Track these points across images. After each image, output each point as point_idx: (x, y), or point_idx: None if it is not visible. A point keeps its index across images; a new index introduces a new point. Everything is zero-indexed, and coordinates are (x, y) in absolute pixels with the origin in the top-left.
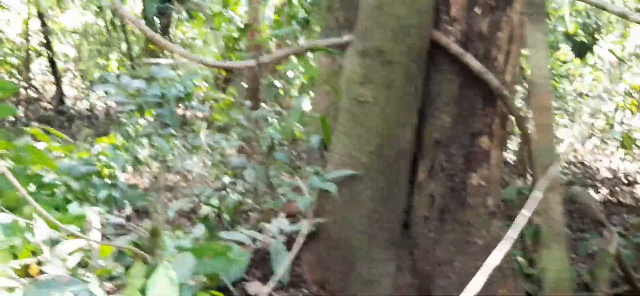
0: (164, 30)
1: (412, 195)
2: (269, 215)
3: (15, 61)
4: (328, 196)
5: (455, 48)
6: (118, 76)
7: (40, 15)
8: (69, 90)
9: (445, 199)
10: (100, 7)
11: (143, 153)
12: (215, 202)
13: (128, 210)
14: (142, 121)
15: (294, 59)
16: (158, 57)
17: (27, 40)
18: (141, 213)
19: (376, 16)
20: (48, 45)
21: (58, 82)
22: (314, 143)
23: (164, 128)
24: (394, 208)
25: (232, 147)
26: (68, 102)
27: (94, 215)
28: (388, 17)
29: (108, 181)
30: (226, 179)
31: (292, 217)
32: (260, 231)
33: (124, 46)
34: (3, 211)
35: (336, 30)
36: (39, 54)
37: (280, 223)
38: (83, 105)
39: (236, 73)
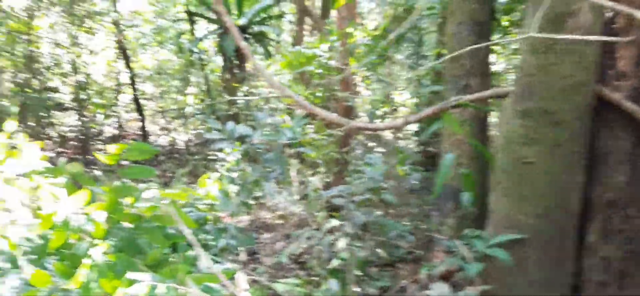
0: (240, 68)
1: (581, 258)
2: (413, 273)
3: (98, 99)
4: (492, 261)
5: (628, 105)
6: (218, 118)
7: (125, 56)
8: (149, 126)
9: (624, 263)
10: (180, 47)
11: (242, 193)
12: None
13: (242, 255)
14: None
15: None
16: (234, 93)
17: (117, 82)
18: (252, 256)
19: (540, 75)
20: (132, 84)
21: (142, 120)
22: (448, 194)
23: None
24: (563, 273)
25: (322, 182)
26: (150, 138)
27: (241, 274)
28: (553, 75)
29: (219, 225)
30: (333, 222)
31: (446, 279)
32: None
33: (194, 80)
34: (146, 270)
35: (465, 78)
36: (120, 92)
37: (441, 289)
38: (163, 140)
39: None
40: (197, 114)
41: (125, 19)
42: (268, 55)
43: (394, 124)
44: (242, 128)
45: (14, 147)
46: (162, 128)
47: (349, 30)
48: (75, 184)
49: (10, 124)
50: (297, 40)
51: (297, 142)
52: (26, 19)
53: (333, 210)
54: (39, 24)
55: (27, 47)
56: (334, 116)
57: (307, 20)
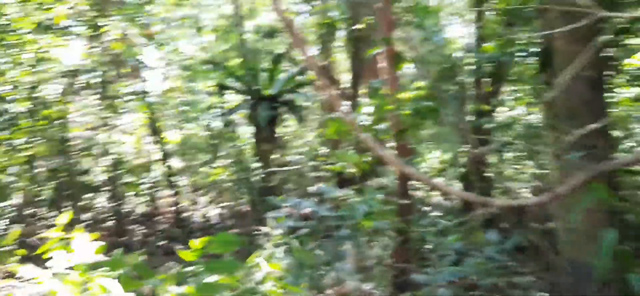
0: (272, 133)
1: None
2: None
3: (129, 178)
4: None
5: None
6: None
7: (156, 132)
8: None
9: None
10: (210, 121)
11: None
12: None
13: None
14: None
15: None
16: (268, 163)
17: (148, 159)
18: None
19: None
20: (164, 160)
21: (176, 196)
22: (586, 269)
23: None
24: None
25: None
26: (183, 215)
27: None
28: None
29: None
30: None
31: None
32: None
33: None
34: None
35: (589, 139)
36: (150, 170)
37: None
38: (195, 216)
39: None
40: (230, 187)
41: (156, 97)
42: (301, 121)
43: (540, 199)
44: (307, 204)
45: (67, 240)
46: (193, 203)
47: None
48: (134, 277)
49: (64, 216)
50: (327, 106)
51: (372, 214)
52: (60, 103)
53: (399, 286)
54: (71, 108)
55: (60, 132)
56: (466, 194)
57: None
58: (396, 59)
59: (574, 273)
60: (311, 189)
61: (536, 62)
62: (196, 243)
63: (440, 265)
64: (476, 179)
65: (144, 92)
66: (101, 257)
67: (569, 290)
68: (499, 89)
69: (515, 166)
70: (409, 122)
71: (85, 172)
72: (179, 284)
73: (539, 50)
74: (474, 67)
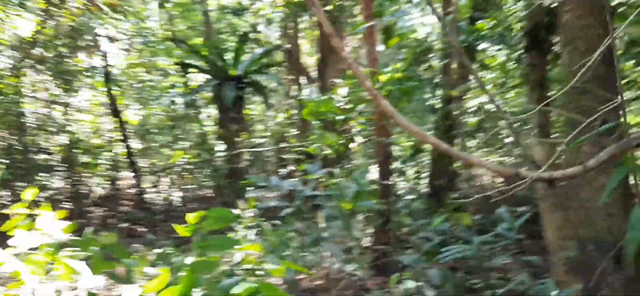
0: (238, 115)
1: None
2: None
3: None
4: None
5: None
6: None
7: (116, 112)
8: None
9: None
10: (173, 101)
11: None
12: None
13: None
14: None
15: None
16: (233, 144)
17: (107, 139)
18: None
19: None
20: (125, 141)
21: (138, 178)
22: (598, 249)
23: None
24: None
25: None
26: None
27: None
28: None
29: None
30: (409, 285)
31: None
32: None
33: (187, 134)
34: None
35: (600, 113)
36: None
37: None
38: (156, 198)
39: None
40: (193, 169)
41: (114, 75)
42: (268, 104)
43: (571, 172)
44: (289, 183)
45: (32, 217)
46: (154, 185)
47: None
48: (106, 257)
49: (29, 193)
50: (289, 89)
51: (362, 193)
52: (12, 77)
53: (380, 268)
54: (25, 82)
55: (14, 107)
56: (500, 168)
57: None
58: (386, 36)
59: (588, 251)
60: (282, 172)
61: (509, 46)
62: (191, 217)
63: (423, 247)
64: (444, 164)
65: (104, 68)
66: (69, 237)
67: (581, 268)
68: (467, 75)
69: (482, 150)
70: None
71: (41, 150)
72: (154, 265)
73: (524, 32)
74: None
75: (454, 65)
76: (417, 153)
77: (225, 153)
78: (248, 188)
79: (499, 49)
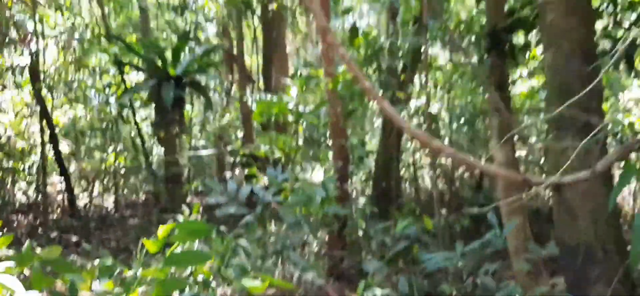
0: (178, 116)
1: None
2: None
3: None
4: None
5: None
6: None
7: (44, 113)
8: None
9: None
10: (107, 102)
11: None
12: None
13: None
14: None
15: None
16: (172, 148)
17: (43, 146)
18: None
19: None
20: (54, 144)
21: (68, 183)
22: (590, 251)
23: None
24: None
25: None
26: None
27: None
28: None
29: None
30: (378, 292)
31: None
32: None
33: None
34: None
35: (583, 116)
36: (30, 153)
37: None
38: (86, 203)
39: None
40: (127, 174)
41: (44, 71)
42: (209, 104)
43: (580, 176)
44: (246, 190)
45: None
46: (85, 191)
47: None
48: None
49: None
50: (231, 89)
51: (329, 199)
52: None
53: (339, 275)
54: None
55: None
56: (510, 173)
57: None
58: (352, 36)
59: (576, 255)
60: (228, 176)
61: (460, 48)
62: (160, 231)
63: (381, 252)
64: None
65: (30, 65)
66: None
67: (571, 272)
68: (412, 77)
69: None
70: (345, 105)
71: None
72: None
73: (485, 33)
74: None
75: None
76: (367, 156)
77: (163, 156)
78: (191, 194)
79: (450, 51)
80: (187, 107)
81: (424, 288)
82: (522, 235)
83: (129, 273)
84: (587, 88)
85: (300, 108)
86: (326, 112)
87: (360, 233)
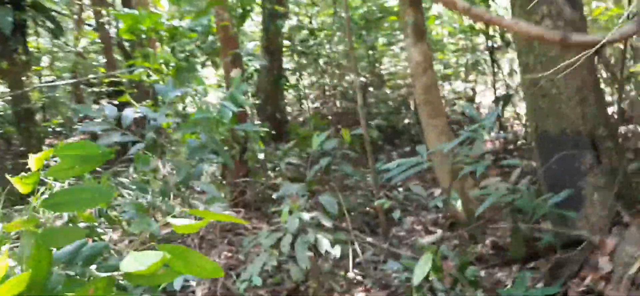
0: (21, 46)
1: None
2: None
3: None
4: None
5: None
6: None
7: None
8: None
9: None
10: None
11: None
12: None
13: None
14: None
15: None
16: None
17: None
18: None
19: None
20: None
21: None
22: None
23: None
24: None
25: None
26: None
27: None
28: None
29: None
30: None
31: None
32: None
33: None
34: None
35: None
36: None
37: None
38: None
39: None
40: None
41: None
42: (59, 30)
43: (625, 31)
44: (132, 111)
45: None
46: None
47: None
48: None
49: None
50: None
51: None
52: None
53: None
54: None
55: None
56: (545, 31)
57: None
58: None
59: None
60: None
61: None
62: (33, 159)
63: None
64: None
65: None
66: None
67: (556, 163)
68: None
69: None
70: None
71: None
72: None
73: None
74: None
75: None
76: (257, 73)
77: (8, 93)
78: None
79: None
80: (33, 37)
81: (352, 205)
82: (444, 138)
83: None
84: None
85: (175, 22)
86: (208, 23)
87: (261, 156)
